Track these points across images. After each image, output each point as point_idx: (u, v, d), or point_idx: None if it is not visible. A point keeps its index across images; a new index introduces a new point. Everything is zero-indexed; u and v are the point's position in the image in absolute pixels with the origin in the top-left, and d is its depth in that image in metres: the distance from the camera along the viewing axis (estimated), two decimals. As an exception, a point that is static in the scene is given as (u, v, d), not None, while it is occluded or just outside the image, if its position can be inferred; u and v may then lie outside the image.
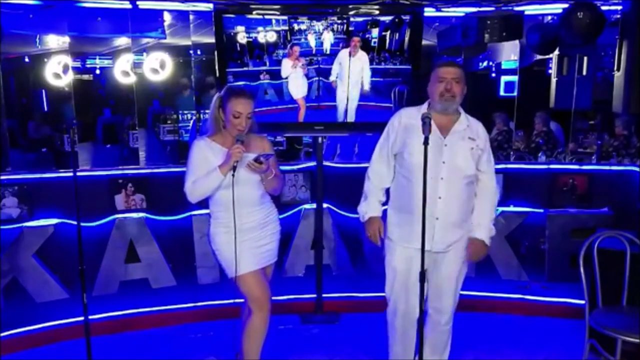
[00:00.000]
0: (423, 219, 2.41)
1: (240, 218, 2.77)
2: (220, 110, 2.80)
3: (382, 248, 3.03)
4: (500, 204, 4.55)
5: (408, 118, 2.85)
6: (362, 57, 3.80)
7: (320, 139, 3.99)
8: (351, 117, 3.88)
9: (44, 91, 7.34)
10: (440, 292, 2.93)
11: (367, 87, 3.83)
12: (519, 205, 4.60)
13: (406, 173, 2.82)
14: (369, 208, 2.96)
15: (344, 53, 3.79)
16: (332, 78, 3.82)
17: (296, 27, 3.76)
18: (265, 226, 2.90)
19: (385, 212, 3.00)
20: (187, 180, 2.76)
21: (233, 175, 2.66)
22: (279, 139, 6.18)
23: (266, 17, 3.75)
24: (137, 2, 4.19)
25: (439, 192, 2.73)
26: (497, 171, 4.56)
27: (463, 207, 2.82)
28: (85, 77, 7.92)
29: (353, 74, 3.82)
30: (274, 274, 3.08)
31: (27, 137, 7.21)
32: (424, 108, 2.87)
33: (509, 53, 6.39)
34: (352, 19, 3.76)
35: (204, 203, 2.89)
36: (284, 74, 3.82)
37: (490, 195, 2.92)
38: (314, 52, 3.80)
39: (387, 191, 3.00)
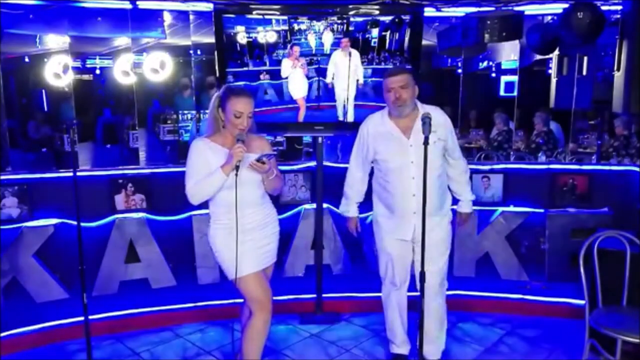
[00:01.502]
0: (423, 217, 2.57)
1: (241, 219, 2.76)
2: (219, 110, 2.79)
3: (372, 233, 3.33)
4: (500, 204, 4.59)
5: (374, 126, 3.11)
6: (355, 55, 3.81)
7: (320, 139, 3.99)
8: (351, 117, 3.88)
9: (44, 91, 7.36)
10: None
11: (361, 81, 3.85)
12: (519, 205, 4.60)
13: (383, 175, 3.11)
14: (349, 209, 3.33)
15: (338, 53, 3.79)
16: (328, 80, 3.82)
17: (296, 27, 3.76)
18: (265, 227, 2.90)
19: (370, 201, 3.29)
20: (188, 182, 2.73)
21: (236, 175, 2.64)
22: (279, 139, 6.19)
23: (266, 17, 3.75)
24: (137, 2, 4.18)
25: (412, 190, 2.97)
26: (497, 171, 4.65)
27: (436, 199, 3.05)
28: (85, 77, 7.95)
29: (351, 73, 3.82)
30: (274, 274, 3.07)
31: (27, 137, 7.23)
32: (385, 112, 3.10)
33: (509, 53, 6.41)
34: (352, 19, 3.76)
35: (205, 203, 2.88)
36: (283, 74, 3.82)
37: (463, 174, 3.22)
38: (314, 52, 3.80)
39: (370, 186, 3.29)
